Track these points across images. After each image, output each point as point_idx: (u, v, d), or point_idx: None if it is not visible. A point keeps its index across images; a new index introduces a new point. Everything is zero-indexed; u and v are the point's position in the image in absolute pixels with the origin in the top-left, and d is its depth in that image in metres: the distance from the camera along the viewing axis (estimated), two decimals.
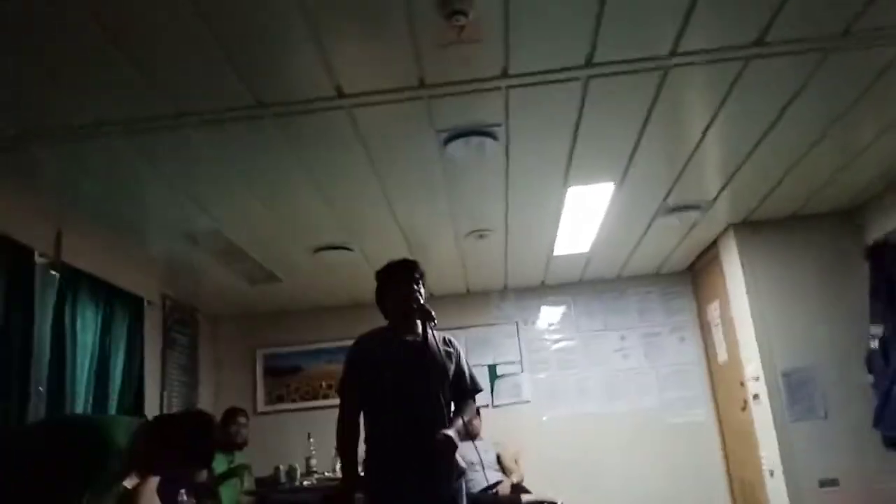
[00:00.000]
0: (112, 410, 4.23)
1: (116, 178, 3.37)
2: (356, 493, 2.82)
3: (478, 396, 3.14)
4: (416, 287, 2.92)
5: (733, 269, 5.11)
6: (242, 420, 5.16)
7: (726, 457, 5.80)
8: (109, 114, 2.79)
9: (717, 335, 5.66)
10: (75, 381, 3.92)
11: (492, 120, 3.14)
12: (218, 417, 5.06)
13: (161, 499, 2.77)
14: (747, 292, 4.92)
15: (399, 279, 2.96)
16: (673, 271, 6.23)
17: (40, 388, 3.65)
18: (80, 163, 3.17)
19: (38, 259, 3.67)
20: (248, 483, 4.49)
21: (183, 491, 3.90)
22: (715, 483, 5.76)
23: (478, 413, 5.17)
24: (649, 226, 4.87)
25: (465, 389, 3.01)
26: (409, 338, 2.89)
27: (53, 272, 3.83)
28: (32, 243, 3.60)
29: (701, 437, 5.88)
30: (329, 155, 3.33)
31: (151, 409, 4.68)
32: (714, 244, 5.42)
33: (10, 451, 2.38)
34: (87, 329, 4.10)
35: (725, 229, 5.14)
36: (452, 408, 2.94)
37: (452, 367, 2.96)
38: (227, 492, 4.63)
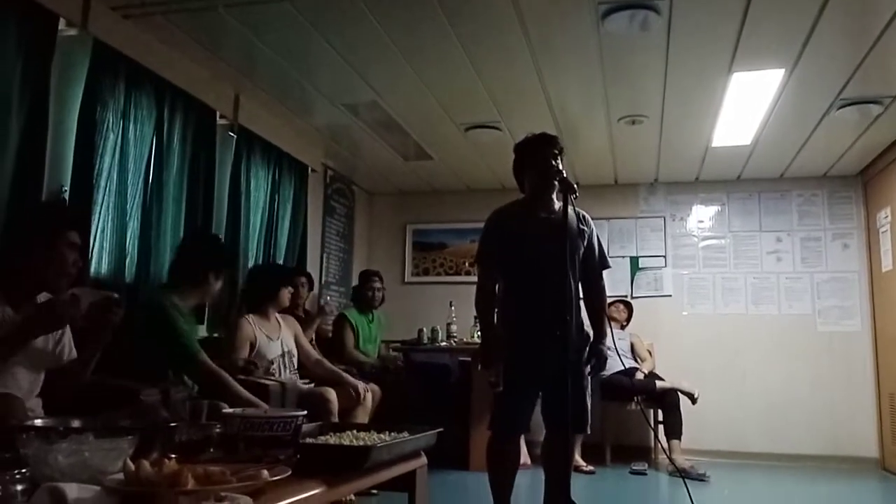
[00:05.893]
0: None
1: (288, 44, 3.57)
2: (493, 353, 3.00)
3: (610, 278, 3.18)
4: (555, 161, 2.91)
5: None
6: (377, 282, 5.17)
7: (878, 370, 5.52)
8: None
9: (885, 242, 5.27)
10: (248, 234, 4.37)
11: None
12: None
13: None
14: None
15: (538, 153, 2.95)
16: (842, 174, 5.79)
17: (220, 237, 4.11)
18: (257, 28, 3.39)
19: (219, 120, 4.06)
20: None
21: None
22: (861, 396, 5.53)
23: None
24: (821, 120, 4.52)
25: (593, 265, 3.05)
26: (544, 214, 2.93)
27: (231, 133, 4.21)
28: (215, 105, 3.97)
29: (853, 348, 5.61)
30: (485, 28, 3.34)
31: (312, 269, 5.14)
32: (893, 146, 4.96)
33: None
34: (259, 188, 4.52)
35: None
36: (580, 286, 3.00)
37: (584, 244, 3.01)
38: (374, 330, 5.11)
